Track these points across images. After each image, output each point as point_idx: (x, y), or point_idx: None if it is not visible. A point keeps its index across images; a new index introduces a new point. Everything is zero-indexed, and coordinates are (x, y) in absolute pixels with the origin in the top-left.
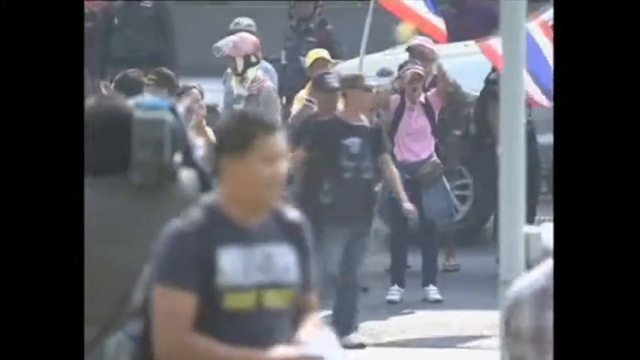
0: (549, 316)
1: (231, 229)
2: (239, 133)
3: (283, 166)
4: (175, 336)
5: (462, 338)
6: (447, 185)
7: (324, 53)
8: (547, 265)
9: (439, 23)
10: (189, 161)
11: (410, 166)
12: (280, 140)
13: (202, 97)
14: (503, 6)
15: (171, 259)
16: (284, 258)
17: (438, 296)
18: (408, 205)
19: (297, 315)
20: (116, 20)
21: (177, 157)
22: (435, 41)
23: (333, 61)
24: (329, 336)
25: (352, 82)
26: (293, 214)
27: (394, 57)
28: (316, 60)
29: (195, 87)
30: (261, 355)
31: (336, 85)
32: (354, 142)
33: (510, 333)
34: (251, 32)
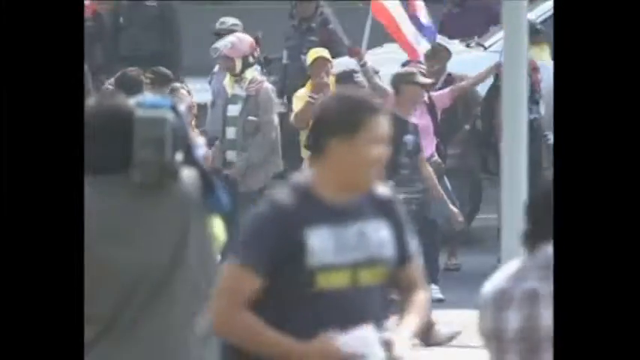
0: (506, 317)
1: (322, 209)
2: (350, 115)
3: (386, 149)
4: (227, 311)
5: (463, 337)
6: (449, 185)
7: (323, 52)
8: (510, 267)
9: (418, 44)
10: (190, 160)
11: None
12: (386, 123)
13: (190, 96)
14: (504, 5)
15: (247, 239)
16: (378, 233)
17: (439, 295)
18: (454, 209)
19: (399, 293)
20: (122, 20)
21: (179, 156)
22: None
23: (332, 60)
24: (374, 334)
25: (408, 78)
26: (383, 190)
27: (379, 57)
28: (316, 59)
29: (183, 87)
30: (304, 347)
31: (364, 82)
32: (409, 140)
33: (480, 333)
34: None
